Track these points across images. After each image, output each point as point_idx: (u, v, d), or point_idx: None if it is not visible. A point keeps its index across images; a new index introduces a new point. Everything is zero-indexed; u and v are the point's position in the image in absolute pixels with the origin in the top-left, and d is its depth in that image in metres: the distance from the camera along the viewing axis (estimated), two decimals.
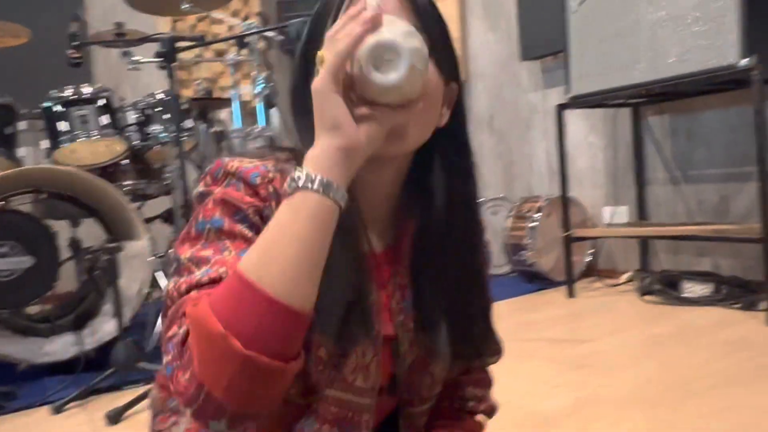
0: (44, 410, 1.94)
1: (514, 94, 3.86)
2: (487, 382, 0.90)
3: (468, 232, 0.75)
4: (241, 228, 0.63)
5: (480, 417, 0.88)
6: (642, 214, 3.22)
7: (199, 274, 0.60)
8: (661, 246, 3.17)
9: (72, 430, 1.80)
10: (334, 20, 0.64)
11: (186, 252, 0.63)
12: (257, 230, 0.62)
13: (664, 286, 2.79)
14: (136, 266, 2.36)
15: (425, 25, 0.66)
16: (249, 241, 0.62)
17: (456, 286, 0.74)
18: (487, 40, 3.99)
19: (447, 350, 0.75)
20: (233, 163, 0.67)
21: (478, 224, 0.77)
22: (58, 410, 1.91)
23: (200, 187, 0.68)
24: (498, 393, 0.91)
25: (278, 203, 0.62)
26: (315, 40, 0.67)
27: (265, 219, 0.63)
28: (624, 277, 3.19)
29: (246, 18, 4.21)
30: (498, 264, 3.67)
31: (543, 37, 3.48)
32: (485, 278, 0.79)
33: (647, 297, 2.82)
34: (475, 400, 0.87)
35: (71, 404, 1.95)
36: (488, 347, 0.83)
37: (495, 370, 0.90)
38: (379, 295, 0.71)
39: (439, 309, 0.73)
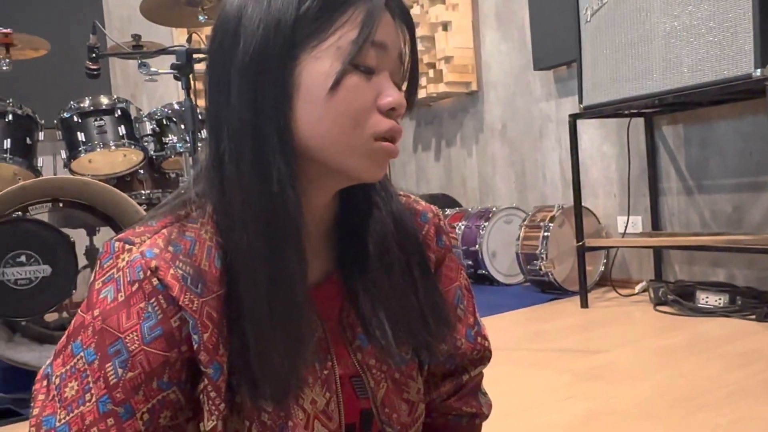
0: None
1: (526, 103, 3.87)
2: (474, 392, 0.85)
3: (404, 245, 0.72)
4: (108, 370, 0.60)
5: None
6: (656, 224, 3.21)
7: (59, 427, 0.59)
8: (676, 256, 3.15)
9: None
10: (364, 42, 0.61)
11: (58, 369, 0.62)
12: (131, 358, 0.60)
13: (679, 297, 2.77)
14: None
15: (414, 54, 0.68)
16: (111, 389, 0.60)
17: (403, 306, 0.71)
18: (499, 50, 4.00)
19: (417, 375, 0.75)
20: (120, 259, 0.62)
21: (412, 234, 0.74)
22: None
23: (94, 280, 0.63)
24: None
25: (166, 298, 0.60)
26: (282, 57, 0.61)
27: (145, 329, 0.60)
28: (638, 288, 3.17)
29: None
30: (511, 273, 3.67)
31: (556, 46, 3.49)
32: (434, 287, 0.74)
33: (661, 307, 2.81)
34: (468, 417, 0.84)
35: None
36: (462, 357, 0.81)
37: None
38: (325, 330, 0.70)
39: (395, 337, 0.70)
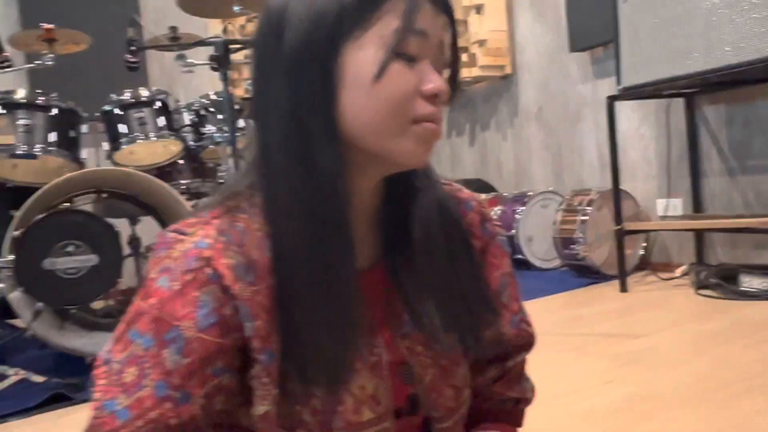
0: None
1: (562, 85, 3.82)
2: (518, 377, 0.86)
3: (448, 233, 0.73)
4: (165, 356, 0.62)
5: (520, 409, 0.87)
6: (697, 206, 3.15)
7: (119, 419, 0.61)
8: (718, 239, 3.09)
9: None
10: (405, 29, 0.62)
11: (118, 354, 0.63)
12: (186, 346, 0.61)
13: (721, 280, 2.73)
14: None
15: (454, 42, 0.68)
16: (168, 374, 0.61)
17: (449, 293, 0.71)
18: (534, 31, 3.95)
19: (463, 361, 0.75)
20: (174, 250, 0.64)
21: (456, 221, 0.74)
22: None
23: (151, 268, 0.65)
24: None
25: (219, 287, 0.61)
26: (328, 46, 0.62)
27: (199, 317, 0.62)
28: (679, 271, 3.12)
29: None
30: (547, 258, 3.64)
31: (592, 27, 3.43)
32: (478, 275, 0.75)
33: (703, 291, 2.76)
34: (512, 401, 0.85)
35: None
36: (507, 343, 0.82)
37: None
38: (372, 317, 0.70)
39: (442, 324, 0.71)
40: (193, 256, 0.62)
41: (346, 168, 0.64)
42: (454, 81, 0.70)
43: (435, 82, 0.64)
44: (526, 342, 0.84)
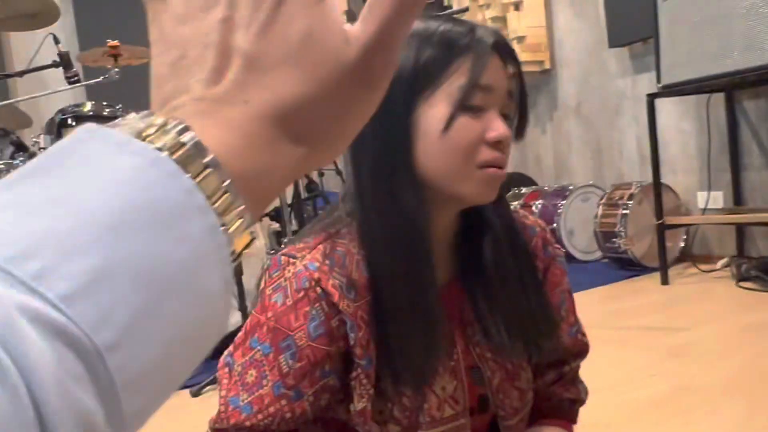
0: (185, 393, 2.19)
1: (601, 80, 3.86)
2: (573, 380, 0.97)
3: (516, 257, 0.83)
4: (281, 361, 0.73)
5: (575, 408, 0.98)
6: (738, 199, 3.18)
7: (243, 413, 0.73)
8: (759, 231, 3.13)
9: (210, 411, 2.03)
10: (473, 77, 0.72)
11: (239, 359, 0.75)
12: (299, 352, 0.73)
13: (762, 273, 2.77)
14: (254, 263, 2.60)
15: (522, 89, 0.78)
16: (284, 376, 0.73)
17: (515, 307, 0.82)
18: (573, 27, 4.00)
19: (527, 366, 0.87)
20: (287, 271, 0.75)
21: (522, 246, 0.85)
22: (196, 394, 2.17)
23: (265, 287, 0.77)
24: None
25: (327, 303, 0.73)
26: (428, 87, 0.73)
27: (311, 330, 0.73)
28: (720, 264, 3.17)
29: None
30: (589, 250, 3.71)
31: (630, 22, 3.47)
32: (541, 293, 0.85)
33: (744, 284, 2.81)
34: (568, 402, 0.96)
35: (208, 388, 2.20)
36: (564, 350, 0.93)
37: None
38: (450, 328, 0.82)
39: (509, 335, 0.82)
40: (305, 277, 0.75)
41: (425, 205, 0.76)
42: (521, 125, 0.81)
43: (498, 130, 0.73)
44: (581, 350, 0.96)
